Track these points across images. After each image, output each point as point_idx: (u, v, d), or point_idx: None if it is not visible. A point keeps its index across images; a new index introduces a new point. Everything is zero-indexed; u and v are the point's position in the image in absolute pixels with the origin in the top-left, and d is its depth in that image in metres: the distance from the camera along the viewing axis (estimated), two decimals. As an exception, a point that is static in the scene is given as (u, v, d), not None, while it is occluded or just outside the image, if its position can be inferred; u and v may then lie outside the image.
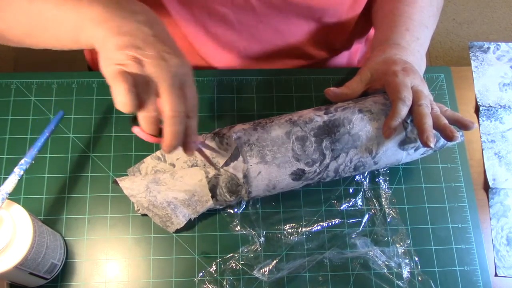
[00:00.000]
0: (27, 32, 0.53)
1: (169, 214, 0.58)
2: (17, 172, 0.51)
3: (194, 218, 0.59)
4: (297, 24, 0.71)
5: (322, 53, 0.77)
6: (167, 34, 0.49)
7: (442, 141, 0.59)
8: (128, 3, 0.49)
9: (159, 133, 0.48)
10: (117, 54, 0.46)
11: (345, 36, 0.77)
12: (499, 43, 0.76)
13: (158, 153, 0.62)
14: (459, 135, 0.55)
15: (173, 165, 0.61)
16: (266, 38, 0.72)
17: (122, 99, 0.44)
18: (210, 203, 0.58)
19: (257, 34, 0.71)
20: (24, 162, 0.52)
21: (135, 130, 0.49)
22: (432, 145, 0.53)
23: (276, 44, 0.73)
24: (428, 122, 0.55)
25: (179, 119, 0.47)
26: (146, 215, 0.60)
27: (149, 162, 0.62)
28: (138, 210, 0.60)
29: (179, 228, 0.58)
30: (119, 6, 0.48)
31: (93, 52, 0.83)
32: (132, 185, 0.58)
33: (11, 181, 0.51)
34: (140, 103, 0.46)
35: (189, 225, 0.60)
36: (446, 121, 0.56)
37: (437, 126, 0.56)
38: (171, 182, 0.57)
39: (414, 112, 0.56)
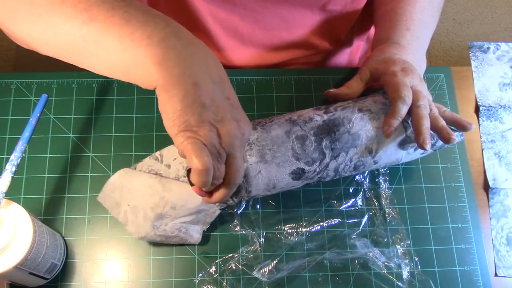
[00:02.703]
0: (70, 52, 0.46)
1: (183, 238, 0.58)
2: (9, 169, 0.50)
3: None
4: (301, 11, 0.70)
5: (326, 44, 0.77)
6: (232, 89, 0.46)
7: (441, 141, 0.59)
8: (198, 46, 0.44)
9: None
10: (192, 118, 0.42)
11: (348, 27, 0.77)
12: (499, 43, 0.76)
13: (157, 153, 0.62)
14: (456, 137, 0.55)
15: (169, 166, 0.60)
16: (270, 25, 0.71)
17: (200, 179, 0.42)
18: (217, 212, 0.58)
19: (262, 20, 0.70)
20: (15, 157, 0.51)
21: (194, 188, 0.48)
22: (428, 147, 0.54)
23: (281, 32, 0.73)
24: (426, 124, 0.55)
25: (236, 186, 0.47)
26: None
27: (146, 161, 0.62)
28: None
29: (197, 244, 0.59)
30: (191, 53, 0.43)
31: None
32: (138, 228, 0.57)
33: (5, 179, 0.50)
34: None
35: (189, 225, 0.60)
36: (443, 123, 0.56)
37: (435, 128, 0.56)
38: (174, 213, 0.57)
39: (412, 113, 0.56)
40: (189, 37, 0.44)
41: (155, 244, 0.60)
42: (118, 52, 0.43)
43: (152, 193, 0.57)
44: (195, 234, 0.59)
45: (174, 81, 0.42)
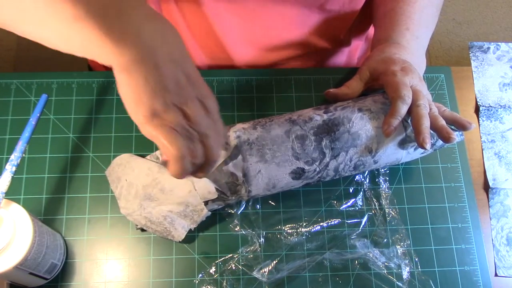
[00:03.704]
0: (20, 20, 0.43)
1: (168, 228, 0.57)
2: (9, 169, 0.50)
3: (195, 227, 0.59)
4: (300, 11, 0.70)
5: (324, 43, 0.77)
6: (192, 64, 0.45)
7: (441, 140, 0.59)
8: (156, 19, 0.42)
9: None
10: (157, 104, 0.40)
11: (346, 27, 0.77)
12: (499, 43, 0.76)
13: (157, 152, 0.62)
14: (455, 136, 0.55)
15: None
16: (269, 24, 0.71)
17: (178, 165, 0.42)
18: (205, 212, 0.58)
19: (260, 19, 0.70)
20: (15, 158, 0.51)
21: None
22: (427, 147, 0.53)
23: (280, 31, 0.73)
24: (425, 123, 0.55)
25: (215, 162, 0.47)
26: (145, 230, 0.60)
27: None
28: (138, 228, 0.60)
29: (180, 240, 0.58)
30: (149, 29, 0.41)
31: None
32: (127, 204, 0.58)
33: (5, 179, 0.50)
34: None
35: (189, 225, 0.60)
36: (443, 122, 0.56)
37: (434, 127, 0.56)
38: (162, 196, 0.57)
39: (412, 112, 0.56)
40: (147, 8, 0.42)
41: (155, 244, 0.60)
42: (70, 20, 0.39)
43: (148, 173, 0.58)
44: (180, 228, 0.57)
45: (133, 62, 0.40)
